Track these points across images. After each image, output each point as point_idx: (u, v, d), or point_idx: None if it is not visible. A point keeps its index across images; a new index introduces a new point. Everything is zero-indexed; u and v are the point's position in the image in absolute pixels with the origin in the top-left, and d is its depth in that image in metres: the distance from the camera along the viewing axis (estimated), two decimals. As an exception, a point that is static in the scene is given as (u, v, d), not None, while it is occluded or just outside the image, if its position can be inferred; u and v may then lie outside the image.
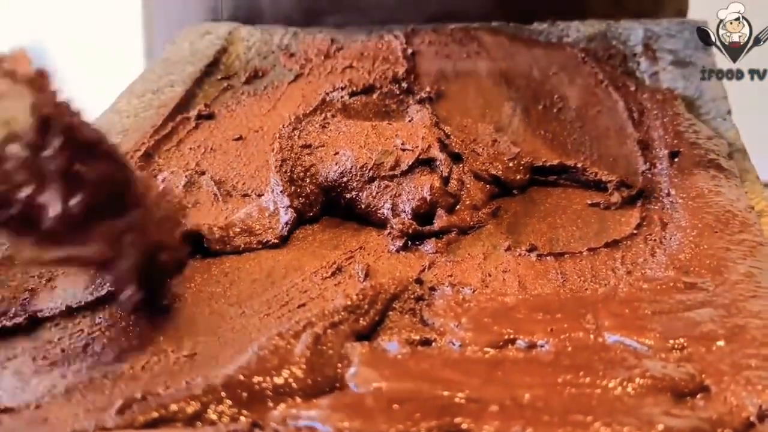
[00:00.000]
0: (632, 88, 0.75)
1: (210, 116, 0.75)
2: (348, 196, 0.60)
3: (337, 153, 0.61)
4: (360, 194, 0.60)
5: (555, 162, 0.65)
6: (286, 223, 0.58)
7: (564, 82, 0.77)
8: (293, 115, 0.66)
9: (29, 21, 2.46)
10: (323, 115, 0.66)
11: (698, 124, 0.67)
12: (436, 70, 0.79)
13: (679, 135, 0.66)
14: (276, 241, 0.58)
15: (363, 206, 0.60)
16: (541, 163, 0.65)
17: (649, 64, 0.79)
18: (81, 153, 0.43)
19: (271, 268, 0.55)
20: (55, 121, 0.42)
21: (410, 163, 0.60)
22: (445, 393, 0.38)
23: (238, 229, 0.58)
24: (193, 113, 0.75)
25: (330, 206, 0.61)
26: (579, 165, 0.64)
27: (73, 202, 0.42)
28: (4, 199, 0.42)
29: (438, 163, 0.61)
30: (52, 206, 0.42)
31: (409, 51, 0.81)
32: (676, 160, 0.63)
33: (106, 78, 1.05)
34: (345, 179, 0.60)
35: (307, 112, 0.67)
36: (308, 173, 0.61)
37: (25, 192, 0.42)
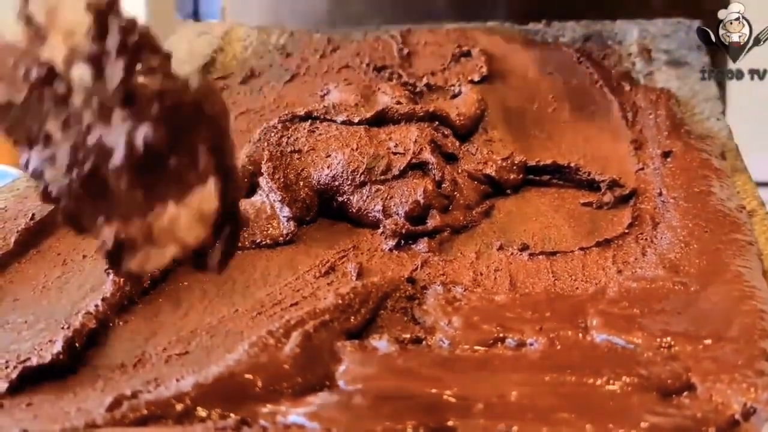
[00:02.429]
0: (627, 89, 0.75)
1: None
2: (340, 199, 0.60)
3: (329, 156, 0.61)
4: (351, 198, 0.60)
5: (548, 162, 0.65)
6: (287, 234, 0.58)
7: (559, 82, 0.77)
8: (278, 120, 0.65)
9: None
10: (309, 120, 0.65)
11: (691, 124, 0.68)
12: (431, 70, 0.79)
13: (672, 135, 0.66)
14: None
15: (354, 210, 0.60)
16: (534, 163, 0.65)
17: (644, 64, 0.79)
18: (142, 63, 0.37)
19: (264, 268, 0.55)
20: (112, 17, 0.37)
21: (402, 167, 0.60)
22: (433, 391, 0.38)
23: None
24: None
25: (324, 206, 0.61)
26: (572, 165, 0.64)
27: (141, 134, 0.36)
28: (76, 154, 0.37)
29: (431, 166, 0.61)
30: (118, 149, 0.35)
31: (405, 51, 0.81)
32: (668, 159, 0.63)
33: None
34: (336, 183, 0.60)
35: (292, 116, 0.66)
36: (300, 177, 0.61)
37: (94, 135, 0.36)
